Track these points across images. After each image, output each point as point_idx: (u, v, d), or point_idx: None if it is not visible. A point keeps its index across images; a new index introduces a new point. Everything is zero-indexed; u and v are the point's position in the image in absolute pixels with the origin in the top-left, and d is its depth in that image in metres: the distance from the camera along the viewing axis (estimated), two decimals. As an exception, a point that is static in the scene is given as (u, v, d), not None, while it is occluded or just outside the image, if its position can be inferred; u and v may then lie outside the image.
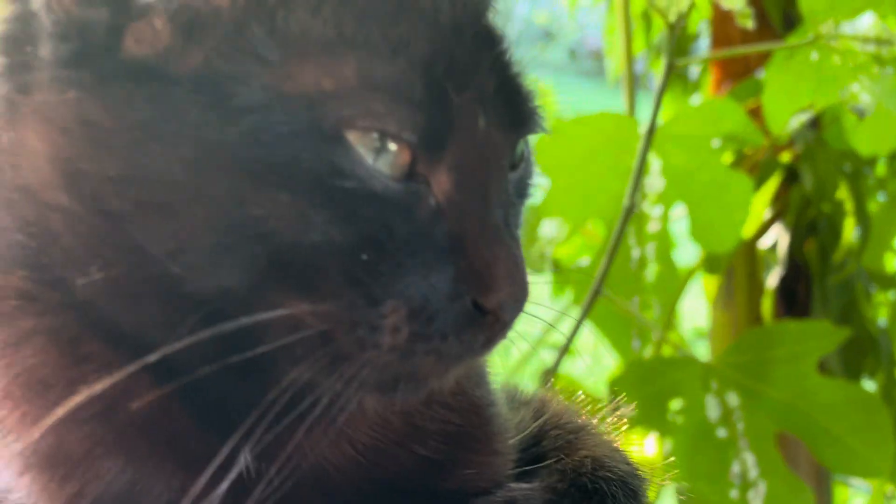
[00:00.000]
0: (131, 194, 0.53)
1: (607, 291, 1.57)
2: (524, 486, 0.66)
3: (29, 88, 0.55)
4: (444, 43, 0.55)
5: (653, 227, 1.71)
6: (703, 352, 2.47)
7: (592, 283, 1.56)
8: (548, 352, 2.10)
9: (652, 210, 1.70)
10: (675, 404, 1.64)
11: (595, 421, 0.75)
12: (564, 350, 1.57)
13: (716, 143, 1.66)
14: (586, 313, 1.56)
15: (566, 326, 1.61)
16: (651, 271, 1.70)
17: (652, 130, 1.53)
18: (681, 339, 2.19)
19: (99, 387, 0.53)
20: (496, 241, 0.56)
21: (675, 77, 2.26)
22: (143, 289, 0.54)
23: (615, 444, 0.72)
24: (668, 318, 1.84)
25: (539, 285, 2.03)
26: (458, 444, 0.65)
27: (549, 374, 1.59)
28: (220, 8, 0.54)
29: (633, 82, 1.94)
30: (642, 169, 1.54)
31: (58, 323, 0.57)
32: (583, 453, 0.69)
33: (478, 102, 0.56)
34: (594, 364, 2.16)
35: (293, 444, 0.56)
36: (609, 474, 0.67)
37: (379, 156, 0.53)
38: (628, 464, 0.70)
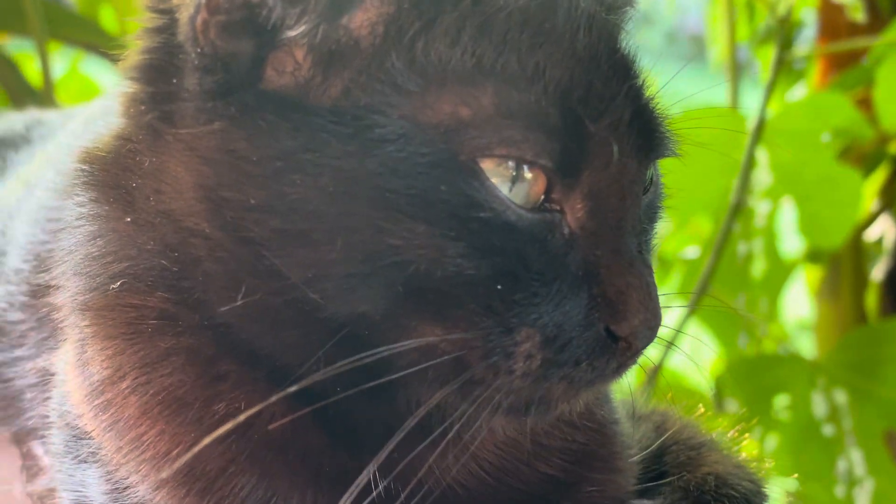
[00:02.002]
0: (272, 223, 0.54)
1: (713, 288, 1.57)
2: (647, 503, 0.67)
3: (173, 118, 0.57)
4: (581, 71, 0.55)
5: (759, 222, 1.70)
6: (806, 344, 2.44)
7: (699, 280, 1.56)
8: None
9: (759, 205, 1.69)
10: (781, 401, 1.63)
11: (716, 436, 0.75)
12: (670, 345, 1.57)
13: (825, 137, 1.64)
14: (692, 309, 1.57)
15: (670, 320, 1.61)
16: (758, 267, 1.69)
17: (761, 125, 1.52)
18: (783, 332, 2.17)
19: (243, 417, 0.55)
20: (630, 269, 0.56)
21: (782, 67, 2.22)
22: (281, 314, 0.55)
23: (738, 461, 0.72)
24: (773, 311, 1.83)
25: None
26: (582, 462, 0.66)
27: (655, 371, 1.60)
28: (361, 39, 0.55)
29: (737, 71, 1.93)
30: (750, 164, 1.53)
31: (195, 343, 0.58)
32: (705, 470, 0.69)
33: (613, 130, 0.56)
34: (696, 358, 2.16)
35: (425, 466, 0.57)
36: (732, 492, 0.67)
37: (515, 184, 0.54)
38: (752, 481, 0.69)
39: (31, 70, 1.78)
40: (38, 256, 0.78)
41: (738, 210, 1.53)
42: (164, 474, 0.58)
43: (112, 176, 0.59)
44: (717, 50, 2.36)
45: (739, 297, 1.70)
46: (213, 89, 0.55)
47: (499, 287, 0.53)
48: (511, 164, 0.53)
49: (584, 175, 0.55)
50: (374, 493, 0.56)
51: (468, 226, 0.53)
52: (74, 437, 0.65)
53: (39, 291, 0.73)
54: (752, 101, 1.71)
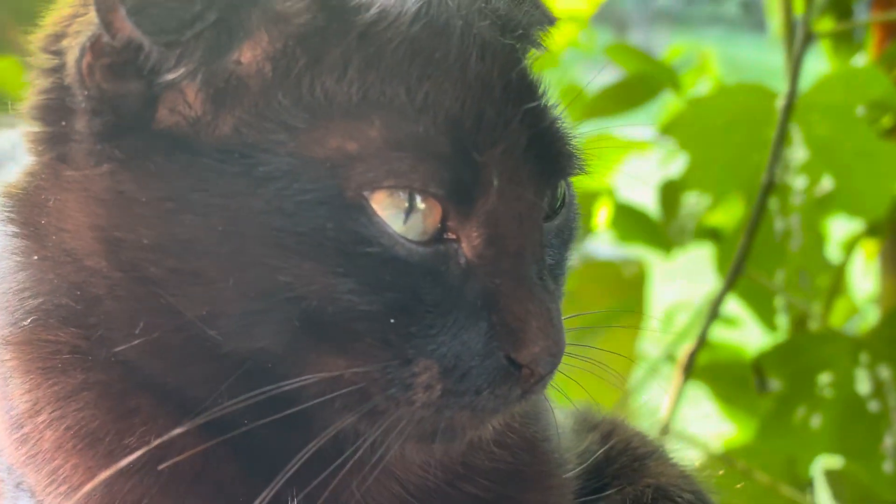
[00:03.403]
0: (166, 262, 0.54)
1: (749, 267, 1.56)
2: None
3: (66, 159, 0.57)
4: (472, 99, 0.55)
5: (798, 199, 1.68)
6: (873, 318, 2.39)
7: (733, 260, 1.56)
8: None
9: (795, 181, 1.67)
10: (824, 378, 1.61)
11: (662, 445, 0.74)
12: (711, 319, 1.58)
13: (860, 110, 1.61)
14: (727, 290, 1.56)
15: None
16: (796, 244, 1.67)
17: (790, 102, 1.51)
18: (853, 307, 2.13)
19: (143, 450, 0.56)
20: (529, 296, 0.56)
21: (841, 37, 2.17)
22: (182, 350, 0.56)
23: (684, 470, 0.72)
24: (835, 286, 1.80)
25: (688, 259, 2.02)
26: (511, 482, 0.65)
27: (698, 344, 1.60)
28: (248, 77, 0.55)
29: (796, 42, 1.90)
30: (781, 141, 1.52)
31: (106, 378, 0.59)
32: (647, 481, 0.69)
33: (508, 156, 0.56)
34: (746, 335, 2.14)
35: (340, 488, 0.58)
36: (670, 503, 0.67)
37: (409, 215, 0.54)
38: (695, 491, 0.69)
39: None
40: None
41: (770, 188, 1.52)
42: None
43: (26, 212, 0.60)
44: (775, 21, 2.32)
45: (778, 274, 1.68)
46: (101, 131, 0.56)
47: (392, 321, 0.54)
48: (403, 195, 0.54)
49: (478, 203, 0.55)
50: None
51: (357, 262, 0.53)
52: (9, 466, 0.65)
53: None
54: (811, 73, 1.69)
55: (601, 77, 1.93)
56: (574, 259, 1.89)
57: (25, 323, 0.60)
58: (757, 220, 1.53)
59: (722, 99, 1.64)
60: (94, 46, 0.55)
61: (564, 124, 0.61)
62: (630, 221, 1.95)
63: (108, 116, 0.56)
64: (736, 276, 1.55)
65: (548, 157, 0.59)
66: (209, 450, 0.57)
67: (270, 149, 0.53)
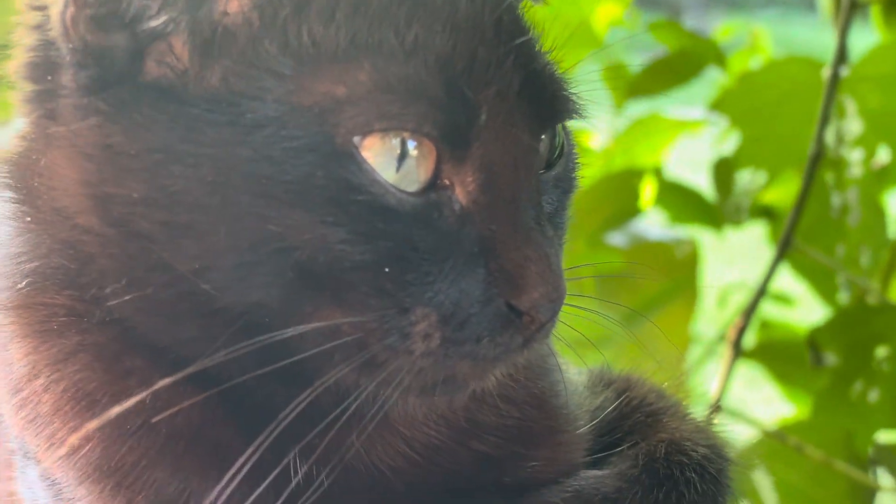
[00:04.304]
0: (156, 215, 0.54)
1: (805, 243, 1.54)
2: (595, 473, 0.65)
3: (54, 115, 0.57)
4: (463, 40, 0.55)
5: (854, 172, 1.66)
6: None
7: (782, 235, 1.55)
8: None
9: (851, 155, 1.65)
10: (881, 352, 1.59)
11: (680, 400, 0.73)
12: (759, 295, 1.56)
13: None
14: (776, 265, 1.55)
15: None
16: (854, 218, 1.65)
17: (836, 72, 1.49)
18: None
19: (133, 400, 0.55)
20: (527, 241, 0.55)
21: (891, 6, 2.13)
22: (176, 306, 0.55)
23: (700, 424, 0.70)
24: (894, 260, 1.78)
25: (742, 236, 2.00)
26: (519, 438, 0.65)
27: (746, 320, 1.59)
28: (235, 26, 0.54)
29: (841, 11, 1.87)
30: (828, 112, 1.50)
31: (101, 339, 0.58)
32: (661, 436, 0.67)
33: (501, 98, 0.55)
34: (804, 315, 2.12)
35: (343, 445, 0.58)
36: (684, 458, 0.65)
37: (402, 162, 0.53)
38: (710, 445, 0.68)
39: None
40: None
41: (818, 161, 1.50)
42: (80, 468, 0.59)
43: (19, 175, 0.60)
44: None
45: (838, 249, 1.66)
46: (87, 84, 0.55)
47: (387, 270, 0.53)
48: (395, 141, 0.53)
49: (473, 147, 0.55)
50: (294, 482, 0.57)
51: (348, 211, 0.52)
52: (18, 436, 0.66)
53: None
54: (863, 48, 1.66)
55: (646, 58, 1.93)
56: (623, 240, 1.88)
57: (22, 286, 0.60)
58: (806, 193, 1.52)
59: (772, 73, 1.63)
60: None
61: (558, 70, 0.61)
62: (680, 201, 1.93)
63: (93, 69, 0.55)
64: (784, 251, 1.53)
65: (542, 99, 0.58)
66: (206, 409, 0.57)
67: (258, 96, 0.53)
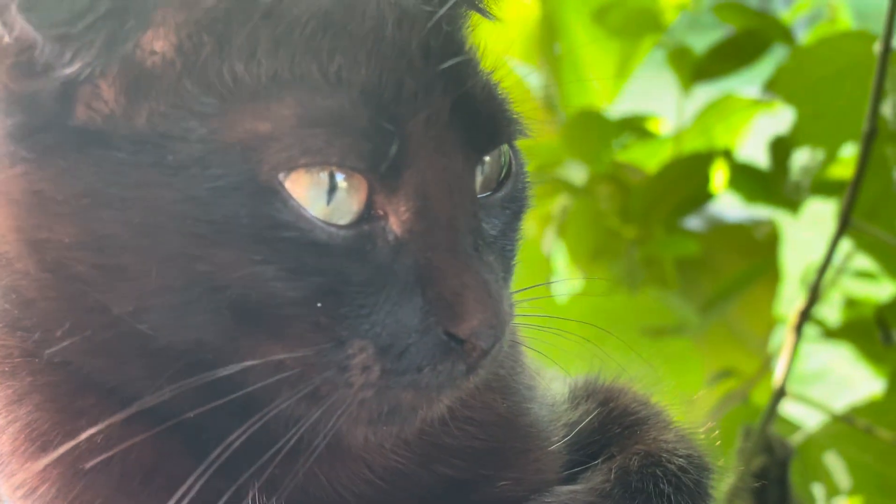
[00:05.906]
0: (89, 259, 0.53)
1: (860, 219, 1.52)
2: (568, 488, 0.64)
3: None
4: (389, 68, 0.54)
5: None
6: None
7: (840, 213, 1.52)
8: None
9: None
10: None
11: (665, 408, 0.71)
12: (821, 274, 1.54)
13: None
14: (836, 242, 1.53)
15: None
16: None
17: (887, 45, 1.45)
18: None
19: (83, 436, 0.55)
20: (465, 268, 0.55)
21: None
22: (117, 347, 0.55)
23: (681, 432, 0.69)
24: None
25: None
26: (485, 460, 0.64)
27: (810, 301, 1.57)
28: (159, 66, 0.54)
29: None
30: (881, 86, 1.47)
31: (53, 379, 0.59)
32: (637, 448, 0.66)
33: (431, 125, 0.55)
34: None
35: (305, 476, 0.58)
36: (658, 471, 0.64)
37: (333, 195, 0.53)
38: (689, 456, 0.66)
39: None
40: None
41: (873, 135, 1.47)
42: None
43: None
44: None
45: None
46: (13, 133, 0.55)
47: (319, 305, 0.53)
48: (323, 175, 0.53)
49: (405, 176, 0.54)
50: None
51: (276, 248, 0.52)
52: None
53: None
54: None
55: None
56: (700, 224, 1.88)
57: None
58: (863, 170, 1.49)
59: (825, 48, 1.59)
60: None
61: (499, 90, 0.60)
62: (752, 182, 1.92)
63: (19, 116, 0.54)
64: (844, 229, 1.51)
65: (476, 123, 0.58)
66: (161, 444, 0.58)
67: (183, 136, 0.52)
